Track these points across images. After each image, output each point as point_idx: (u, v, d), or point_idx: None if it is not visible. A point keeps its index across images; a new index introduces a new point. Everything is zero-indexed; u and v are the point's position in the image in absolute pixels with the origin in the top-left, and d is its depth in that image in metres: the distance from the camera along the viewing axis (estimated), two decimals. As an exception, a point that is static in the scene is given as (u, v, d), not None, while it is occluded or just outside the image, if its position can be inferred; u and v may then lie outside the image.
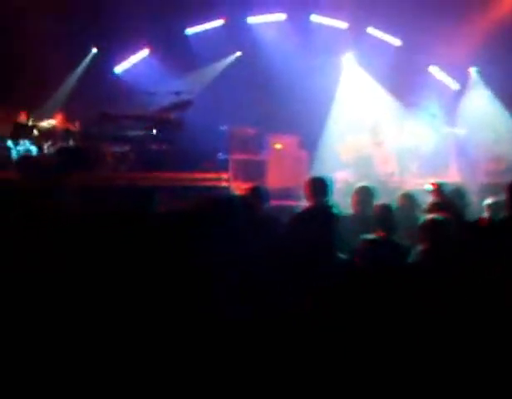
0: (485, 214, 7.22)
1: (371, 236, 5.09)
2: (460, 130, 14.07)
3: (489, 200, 7.45)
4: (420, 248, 5.47)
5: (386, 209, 6.26)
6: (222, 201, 5.05)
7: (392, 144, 12.51)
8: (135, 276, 4.28)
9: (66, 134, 12.95)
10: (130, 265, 4.43)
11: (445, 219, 5.61)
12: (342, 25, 15.30)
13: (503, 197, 7.23)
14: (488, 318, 3.83)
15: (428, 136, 13.44)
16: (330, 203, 6.73)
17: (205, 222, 4.70)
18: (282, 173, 12.40)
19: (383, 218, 6.13)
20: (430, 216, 5.71)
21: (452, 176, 10.92)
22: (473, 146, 13.50)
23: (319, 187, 7.03)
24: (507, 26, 13.56)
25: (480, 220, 5.50)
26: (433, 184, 7.05)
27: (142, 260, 4.59)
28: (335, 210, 6.28)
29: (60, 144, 12.71)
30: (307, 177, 7.86)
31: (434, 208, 6.29)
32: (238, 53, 15.83)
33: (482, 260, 4.51)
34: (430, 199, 6.95)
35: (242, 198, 6.61)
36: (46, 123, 13.02)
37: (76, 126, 13.17)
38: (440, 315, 3.86)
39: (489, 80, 14.57)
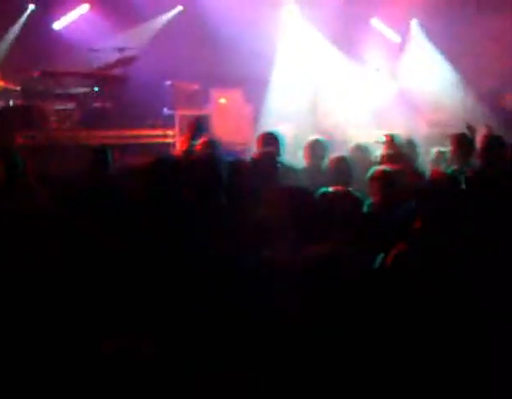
0: (431, 165, 7.36)
1: (331, 189, 5.15)
2: (403, 83, 14.25)
3: (435, 150, 7.60)
4: (371, 200, 5.54)
5: (343, 161, 6.31)
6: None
7: (337, 97, 12.64)
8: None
9: (7, 93, 12.64)
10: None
11: (396, 170, 5.69)
12: (284, -23, 15.22)
13: (447, 148, 7.42)
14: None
15: (372, 89, 13.62)
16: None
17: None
18: (227, 127, 12.39)
19: (340, 170, 6.17)
20: (380, 167, 5.77)
21: (397, 128, 11.02)
22: (415, 98, 13.70)
23: (270, 141, 7.08)
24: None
25: (434, 171, 5.58)
26: (386, 135, 7.12)
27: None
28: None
29: (0, 103, 12.42)
30: (255, 132, 7.89)
31: (387, 159, 6.36)
32: (180, 7, 15.61)
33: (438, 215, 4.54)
34: (380, 151, 7.02)
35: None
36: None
37: (16, 85, 12.87)
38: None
39: (429, 32, 14.74)
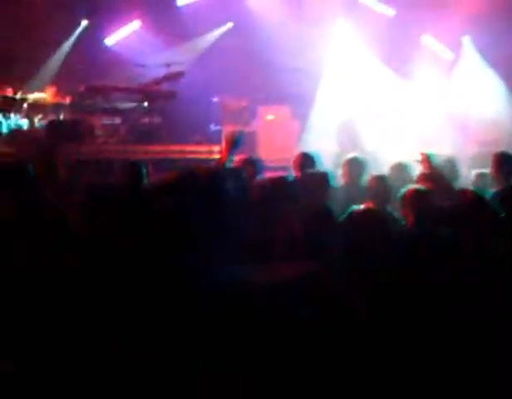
0: (472, 185, 7.16)
1: (362, 207, 5.03)
2: (454, 100, 14.02)
3: (476, 171, 7.39)
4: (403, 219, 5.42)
5: (381, 180, 6.20)
6: (204, 173, 5.03)
7: (383, 115, 12.48)
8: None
9: (57, 107, 12.87)
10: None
11: (426, 189, 5.56)
12: (335, -6, 15.16)
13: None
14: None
15: (421, 107, 13.43)
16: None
17: (187, 194, 4.68)
18: (273, 144, 12.35)
19: (378, 189, 6.07)
20: (411, 187, 5.66)
21: (444, 147, 10.82)
22: (466, 116, 13.46)
23: (306, 161, 7.05)
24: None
25: (462, 192, 5.43)
26: (422, 154, 6.98)
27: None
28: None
29: (50, 117, 12.63)
30: (297, 150, 7.85)
31: (422, 178, 6.24)
32: (230, 24, 15.70)
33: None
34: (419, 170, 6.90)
35: (232, 169, 6.57)
36: (35, 96, 12.91)
37: (67, 100, 13.09)
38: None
39: (481, 49, 14.48)
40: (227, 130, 12.86)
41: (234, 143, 7.22)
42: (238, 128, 12.73)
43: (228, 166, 7.06)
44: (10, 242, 4.42)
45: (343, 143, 10.22)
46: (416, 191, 5.43)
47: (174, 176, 5.13)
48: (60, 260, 4.19)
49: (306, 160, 7.02)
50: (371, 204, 5.53)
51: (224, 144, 7.41)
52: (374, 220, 4.81)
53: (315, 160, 7.03)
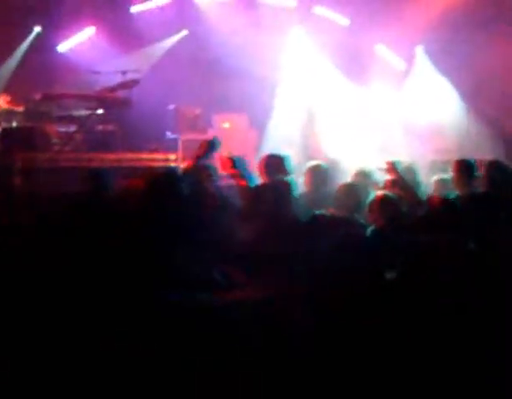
0: (433, 191, 7.28)
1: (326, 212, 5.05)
2: (407, 109, 14.21)
3: (436, 177, 7.52)
4: (372, 226, 5.46)
5: (351, 188, 6.24)
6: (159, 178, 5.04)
7: (340, 123, 12.59)
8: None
9: (10, 114, 12.63)
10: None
11: (394, 195, 5.63)
12: (290, 3, 15.24)
13: (450, 174, 7.35)
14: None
15: (376, 116, 13.59)
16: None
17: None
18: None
19: (348, 198, 6.09)
20: (381, 192, 5.72)
21: (401, 155, 10.94)
22: (420, 125, 13.64)
23: (275, 164, 7.04)
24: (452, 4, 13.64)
25: (430, 198, 5.51)
26: (387, 162, 7.05)
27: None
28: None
29: (3, 125, 12.40)
30: (259, 155, 7.85)
31: (390, 185, 6.31)
32: (185, 31, 15.65)
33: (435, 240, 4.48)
34: (384, 178, 6.96)
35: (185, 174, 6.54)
36: (-14, 104, 12.67)
37: (20, 107, 12.87)
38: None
39: (434, 58, 14.71)
40: (183, 137, 12.85)
41: (210, 147, 7.17)
42: (193, 136, 12.78)
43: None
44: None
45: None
46: (385, 197, 5.48)
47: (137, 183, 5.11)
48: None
49: (273, 163, 7.01)
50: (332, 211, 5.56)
51: (197, 149, 7.36)
52: (338, 223, 4.85)
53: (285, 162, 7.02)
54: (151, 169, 10.52)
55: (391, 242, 4.77)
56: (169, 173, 5.79)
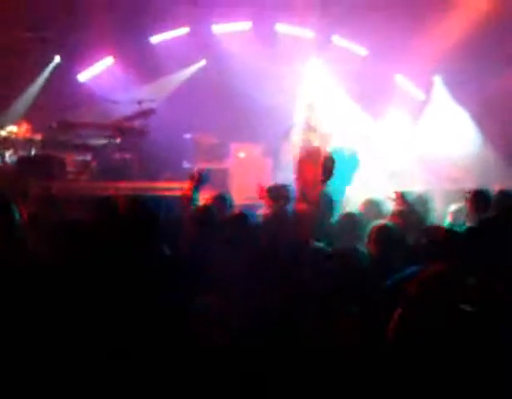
0: (448, 221, 7.23)
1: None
2: (425, 139, 14.16)
3: (452, 207, 7.47)
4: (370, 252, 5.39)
5: (352, 218, 6.18)
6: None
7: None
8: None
9: (28, 142, 12.75)
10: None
11: (393, 224, 5.55)
12: (308, 34, 15.28)
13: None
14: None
15: (393, 146, 13.56)
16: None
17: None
18: (246, 181, 12.32)
19: (348, 227, 6.04)
20: (379, 222, 5.65)
21: (416, 184, 10.88)
22: (437, 154, 13.58)
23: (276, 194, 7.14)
24: (469, 33, 13.60)
25: (430, 228, 5.44)
26: (396, 192, 7.01)
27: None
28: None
29: (21, 152, 12.52)
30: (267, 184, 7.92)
31: (394, 215, 6.25)
32: (203, 62, 15.74)
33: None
34: (391, 207, 6.92)
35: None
36: (6, 132, 12.78)
37: (38, 135, 12.98)
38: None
39: (452, 88, 14.66)
40: (197, 167, 12.87)
41: (200, 180, 7.30)
42: (210, 165, 12.81)
43: (195, 204, 7.11)
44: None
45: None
46: (383, 226, 5.41)
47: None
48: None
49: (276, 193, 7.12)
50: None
51: (189, 181, 7.47)
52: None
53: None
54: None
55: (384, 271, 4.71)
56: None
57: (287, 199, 7.27)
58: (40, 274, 4.40)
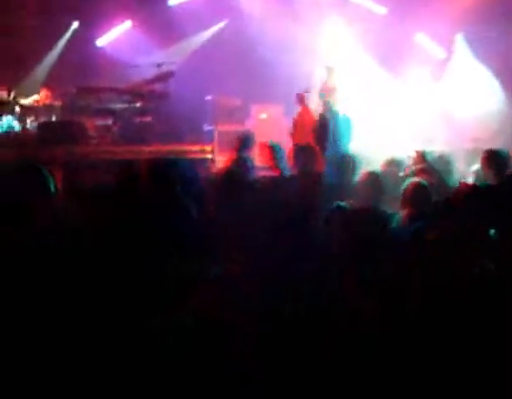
0: (471, 180, 7.18)
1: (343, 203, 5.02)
2: (447, 99, 14.04)
3: (474, 166, 7.42)
4: (402, 213, 5.42)
5: (373, 176, 6.18)
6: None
7: (377, 112, 12.55)
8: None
9: (49, 109, 12.81)
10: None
11: (426, 182, 5.58)
12: (327, -7, 15.14)
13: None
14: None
15: (415, 105, 13.46)
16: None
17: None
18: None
19: (370, 185, 6.04)
20: (411, 180, 5.68)
21: (439, 144, 10.82)
22: (460, 114, 13.47)
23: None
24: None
25: (461, 186, 5.43)
26: (416, 151, 6.99)
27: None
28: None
29: (42, 119, 12.58)
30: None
31: (417, 173, 6.24)
32: (222, 23, 15.65)
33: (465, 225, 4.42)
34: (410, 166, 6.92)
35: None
36: (28, 99, 12.85)
37: (59, 101, 13.02)
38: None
39: (474, 45, 14.48)
40: (219, 129, 12.90)
41: (243, 143, 7.39)
42: (231, 127, 12.83)
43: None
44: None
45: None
46: (419, 184, 5.47)
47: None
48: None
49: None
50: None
51: (233, 144, 7.56)
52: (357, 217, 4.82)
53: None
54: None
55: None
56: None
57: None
58: (72, 238, 4.44)
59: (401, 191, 5.59)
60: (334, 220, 4.63)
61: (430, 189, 5.58)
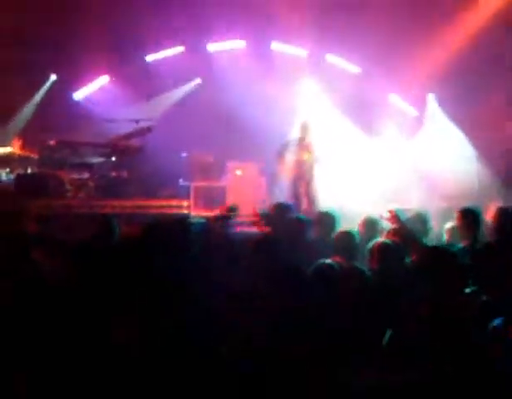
0: (445, 239, 7.26)
1: (328, 261, 5.10)
2: (419, 157, 14.23)
3: (448, 225, 7.49)
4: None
5: (348, 235, 6.26)
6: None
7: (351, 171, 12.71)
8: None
9: (25, 161, 12.78)
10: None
11: (392, 242, 5.67)
12: (302, 53, 15.41)
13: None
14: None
15: (387, 164, 13.64)
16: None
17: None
18: (242, 199, 12.40)
19: (345, 244, 6.12)
20: (378, 240, 5.77)
21: (412, 202, 10.96)
22: (431, 172, 13.65)
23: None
24: (461, 50, 13.74)
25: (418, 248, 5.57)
26: (390, 210, 7.06)
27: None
28: None
29: (18, 171, 12.54)
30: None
31: (391, 234, 6.33)
32: (198, 80, 15.84)
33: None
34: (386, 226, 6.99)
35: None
36: (2, 150, 12.81)
37: (35, 153, 13.01)
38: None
39: (446, 106, 14.77)
40: (195, 184, 12.97)
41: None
42: (206, 183, 12.91)
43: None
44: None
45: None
46: (383, 244, 5.54)
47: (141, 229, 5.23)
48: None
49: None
50: (338, 259, 5.61)
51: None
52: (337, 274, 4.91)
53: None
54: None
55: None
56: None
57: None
58: (52, 292, 4.47)
59: (368, 250, 5.67)
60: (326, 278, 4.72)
61: (398, 249, 5.66)
